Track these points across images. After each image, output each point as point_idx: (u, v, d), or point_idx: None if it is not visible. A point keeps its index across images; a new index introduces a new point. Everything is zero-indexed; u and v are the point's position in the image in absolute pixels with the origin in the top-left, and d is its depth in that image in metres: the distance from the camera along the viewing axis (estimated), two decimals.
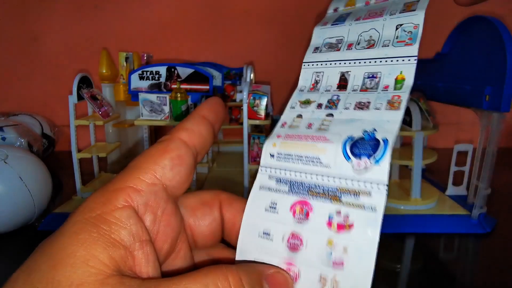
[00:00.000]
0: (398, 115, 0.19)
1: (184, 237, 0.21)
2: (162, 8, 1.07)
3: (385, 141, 0.18)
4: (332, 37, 0.23)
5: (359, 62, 0.21)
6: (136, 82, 0.73)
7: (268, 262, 0.20)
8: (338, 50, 0.22)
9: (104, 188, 0.18)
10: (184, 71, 0.72)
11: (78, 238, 0.16)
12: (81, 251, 0.15)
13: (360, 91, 0.21)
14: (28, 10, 1.05)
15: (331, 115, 0.21)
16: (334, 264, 0.18)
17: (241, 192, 0.69)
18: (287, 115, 0.22)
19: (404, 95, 0.19)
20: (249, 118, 0.72)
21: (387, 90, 0.20)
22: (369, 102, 0.20)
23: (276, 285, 0.19)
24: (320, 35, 0.24)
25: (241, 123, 0.74)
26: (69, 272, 0.15)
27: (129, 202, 0.17)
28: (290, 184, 0.20)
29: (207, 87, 0.73)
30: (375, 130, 0.19)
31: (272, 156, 0.21)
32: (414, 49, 0.20)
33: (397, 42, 0.21)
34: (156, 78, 0.73)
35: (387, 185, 0.17)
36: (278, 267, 0.19)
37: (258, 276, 0.18)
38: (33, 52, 1.07)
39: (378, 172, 0.17)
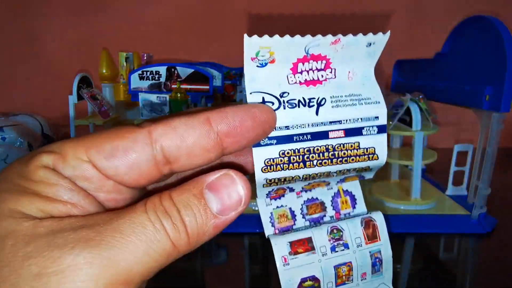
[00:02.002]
0: None
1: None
2: (162, 8, 1.07)
3: None
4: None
5: None
6: (136, 82, 0.73)
7: None
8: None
9: (32, 151, 0.16)
10: (184, 71, 0.72)
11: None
12: (4, 207, 0.14)
13: None
14: (28, 10, 1.05)
15: None
16: None
17: None
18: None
19: None
20: None
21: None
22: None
23: (221, 189, 0.16)
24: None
25: None
26: None
27: (53, 166, 0.15)
28: None
29: (207, 87, 0.73)
30: None
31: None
32: None
33: None
34: (156, 78, 0.73)
35: None
36: (228, 169, 0.16)
37: (196, 189, 0.16)
38: (33, 52, 1.07)
39: None
